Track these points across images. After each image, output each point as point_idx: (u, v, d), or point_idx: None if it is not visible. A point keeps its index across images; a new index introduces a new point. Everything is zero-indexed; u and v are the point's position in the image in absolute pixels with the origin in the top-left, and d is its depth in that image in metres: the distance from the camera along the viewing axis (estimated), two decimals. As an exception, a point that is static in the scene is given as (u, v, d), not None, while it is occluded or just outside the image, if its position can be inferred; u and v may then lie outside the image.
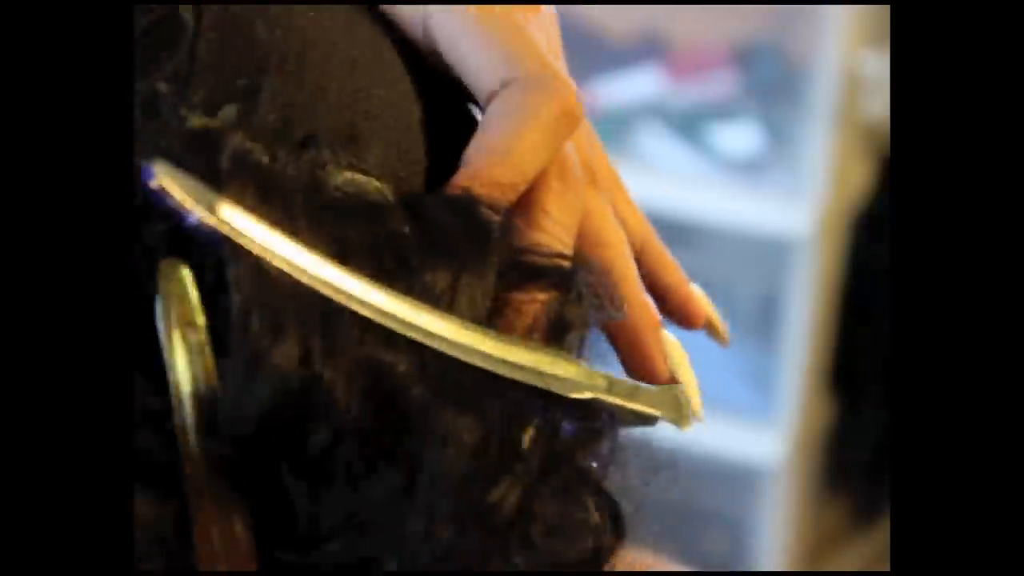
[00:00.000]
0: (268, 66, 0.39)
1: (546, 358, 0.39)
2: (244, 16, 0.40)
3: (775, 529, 1.96)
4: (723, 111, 1.90)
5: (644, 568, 0.54)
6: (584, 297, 0.41)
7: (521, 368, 0.39)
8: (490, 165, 0.40)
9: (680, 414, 0.42)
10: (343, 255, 0.37)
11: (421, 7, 0.42)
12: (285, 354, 0.36)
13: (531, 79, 0.41)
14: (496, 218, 0.40)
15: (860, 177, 1.94)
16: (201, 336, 0.36)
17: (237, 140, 0.37)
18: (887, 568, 0.43)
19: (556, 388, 0.39)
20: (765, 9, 1.92)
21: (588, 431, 0.41)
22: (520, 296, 0.40)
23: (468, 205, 0.39)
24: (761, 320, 1.94)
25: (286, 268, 0.36)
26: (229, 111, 0.38)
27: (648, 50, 1.93)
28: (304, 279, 0.36)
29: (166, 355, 0.36)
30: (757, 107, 1.91)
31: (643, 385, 0.42)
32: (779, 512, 1.95)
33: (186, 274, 0.37)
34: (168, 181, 0.35)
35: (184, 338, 0.36)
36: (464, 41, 0.42)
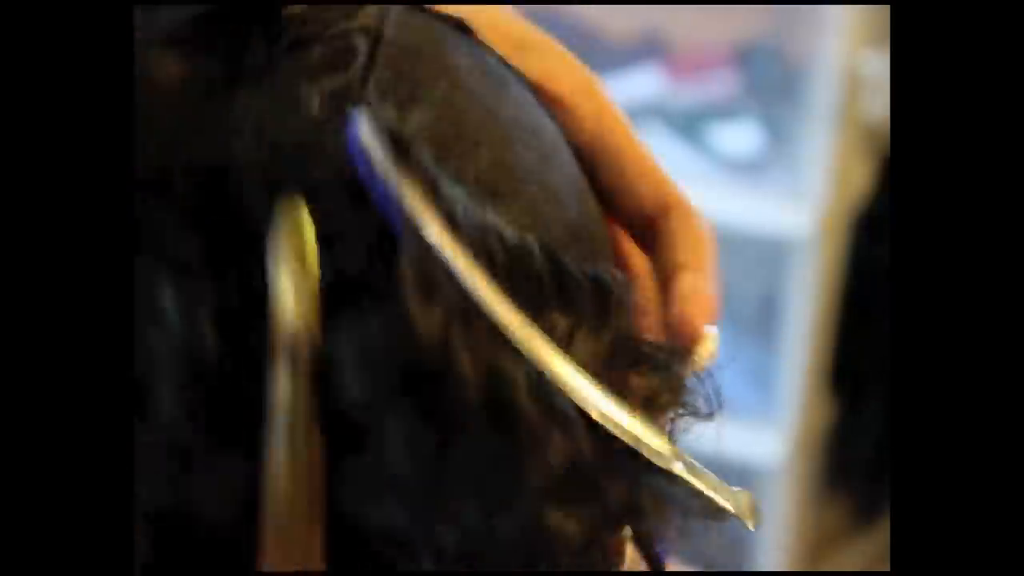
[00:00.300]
0: (429, 107, 0.41)
1: (642, 427, 0.41)
2: (416, 55, 0.43)
3: (775, 529, 1.96)
4: (723, 111, 1.90)
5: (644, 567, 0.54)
6: (680, 391, 0.44)
7: (620, 427, 0.41)
8: (707, 281, 0.47)
9: (751, 516, 0.44)
10: (487, 269, 0.39)
11: (595, 109, 0.48)
12: (430, 323, 0.37)
13: (685, 205, 0.49)
14: (619, 285, 0.43)
15: (860, 177, 1.94)
16: (312, 282, 0.38)
17: (424, 149, 0.39)
18: (887, 568, 0.43)
19: (645, 452, 0.41)
20: (765, 9, 1.92)
21: (664, 501, 0.42)
22: (624, 375, 0.43)
23: (595, 272, 0.42)
24: (761, 320, 1.94)
25: (444, 252, 0.38)
26: (419, 117, 0.41)
27: (648, 50, 1.93)
28: (456, 265, 0.38)
29: (273, 289, 0.38)
30: (757, 107, 1.91)
31: (721, 483, 0.43)
32: (779, 512, 1.95)
33: (306, 216, 0.38)
34: (368, 131, 0.38)
35: (295, 275, 0.38)
36: (628, 163, 0.48)
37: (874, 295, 1.87)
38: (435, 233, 0.38)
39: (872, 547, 2.08)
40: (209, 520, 0.38)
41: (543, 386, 0.39)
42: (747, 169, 1.87)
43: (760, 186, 1.86)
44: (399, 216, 0.38)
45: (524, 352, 0.39)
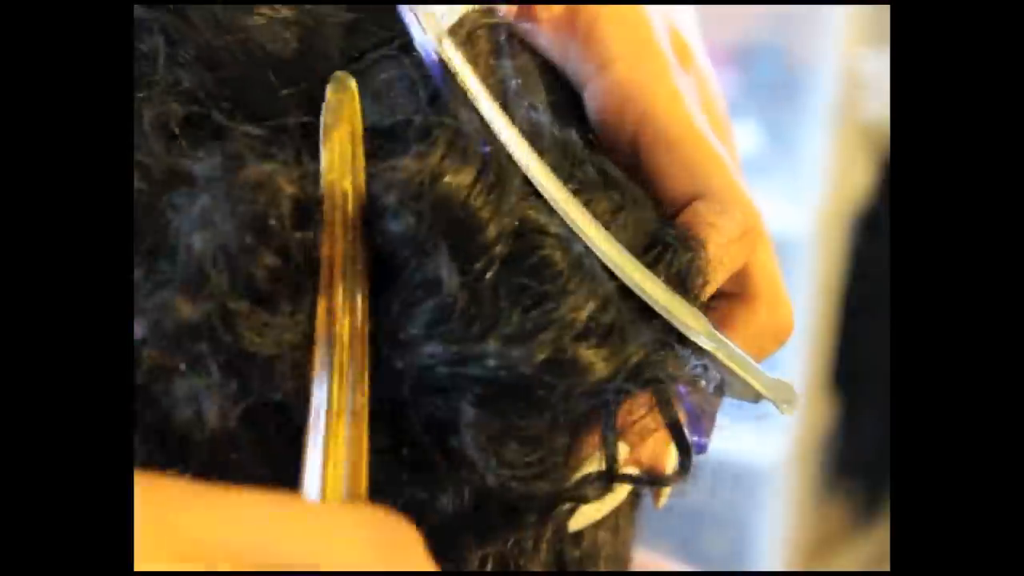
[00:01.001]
0: None
1: (682, 306, 0.42)
2: None
3: (775, 529, 1.96)
4: (723, 111, 1.89)
5: (644, 568, 0.54)
6: (705, 266, 0.44)
7: (649, 295, 0.41)
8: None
9: (788, 402, 0.44)
10: (531, 144, 0.41)
11: (641, 102, 0.45)
12: (460, 177, 0.39)
13: (716, 198, 0.47)
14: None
15: (860, 177, 1.94)
16: (359, 146, 0.40)
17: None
18: (887, 568, 0.43)
19: (675, 322, 0.41)
20: (765, 9, 1.92)
21: (688, 368, 0.42)
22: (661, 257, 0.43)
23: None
24: (761, 320, 1.94)
25: (486, 116, 0.40)
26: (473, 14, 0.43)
27: (648, 50, 1.93)
28: (496, 129, 0.40)
29: (323, 149, 0.40)
30: (757, 107, 1.91)
31: (760, 369, 0.44)
32: (779, 512, 1.95)
33: (355, 87, 0.41)
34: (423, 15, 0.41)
35: (344, 137, 0.40)
36: (665, 152, 0.45)
37: (874, 295, 1.87)
38: (477, 92, 0.40)
39: (872, 547, 2.08)
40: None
41: (573, 241, 0.40)
42: (747, 169, 1.87)
43: (760, 186, 1.85)
44: (445, 76, 0.40)
45: (558, 211, 0.40)
